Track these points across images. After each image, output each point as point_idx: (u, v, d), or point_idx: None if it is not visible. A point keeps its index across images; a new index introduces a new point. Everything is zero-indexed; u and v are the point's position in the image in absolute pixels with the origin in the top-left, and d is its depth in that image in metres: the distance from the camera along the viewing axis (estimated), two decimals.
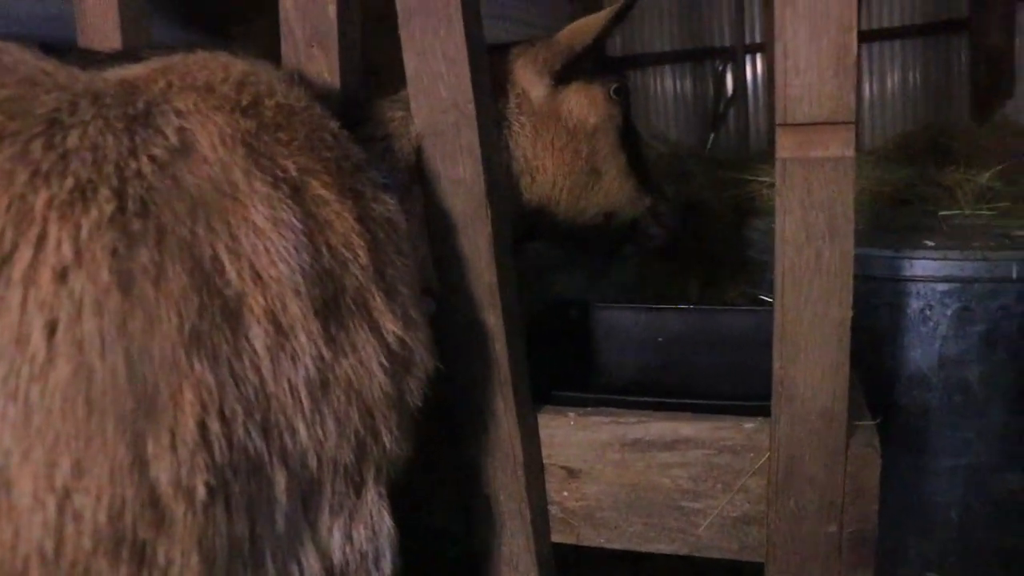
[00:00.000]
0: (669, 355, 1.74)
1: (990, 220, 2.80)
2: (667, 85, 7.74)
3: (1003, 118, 5.14)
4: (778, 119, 1.13)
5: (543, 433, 1.40)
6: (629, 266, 2.90)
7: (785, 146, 1.13)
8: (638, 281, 3.21)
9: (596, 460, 1.38)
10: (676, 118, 7.69)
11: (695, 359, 1.73)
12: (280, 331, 0.83)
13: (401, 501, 1.08)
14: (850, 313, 1.17)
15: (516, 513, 1.37)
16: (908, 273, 2.19)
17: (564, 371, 1.69)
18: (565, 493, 1.41)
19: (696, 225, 3.51)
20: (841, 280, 1.16)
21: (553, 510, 1.43)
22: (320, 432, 0.88)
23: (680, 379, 1.73)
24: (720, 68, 7.30)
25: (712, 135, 6.48)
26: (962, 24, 6.70)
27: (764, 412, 1.28)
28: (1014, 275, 2.12)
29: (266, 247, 0.84)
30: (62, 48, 0.96)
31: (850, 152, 1.11)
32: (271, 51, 1.36)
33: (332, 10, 1.31)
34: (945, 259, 2.15)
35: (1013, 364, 2.19)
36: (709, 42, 7.48)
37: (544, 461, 1.41)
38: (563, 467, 1.40)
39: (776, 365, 1.21)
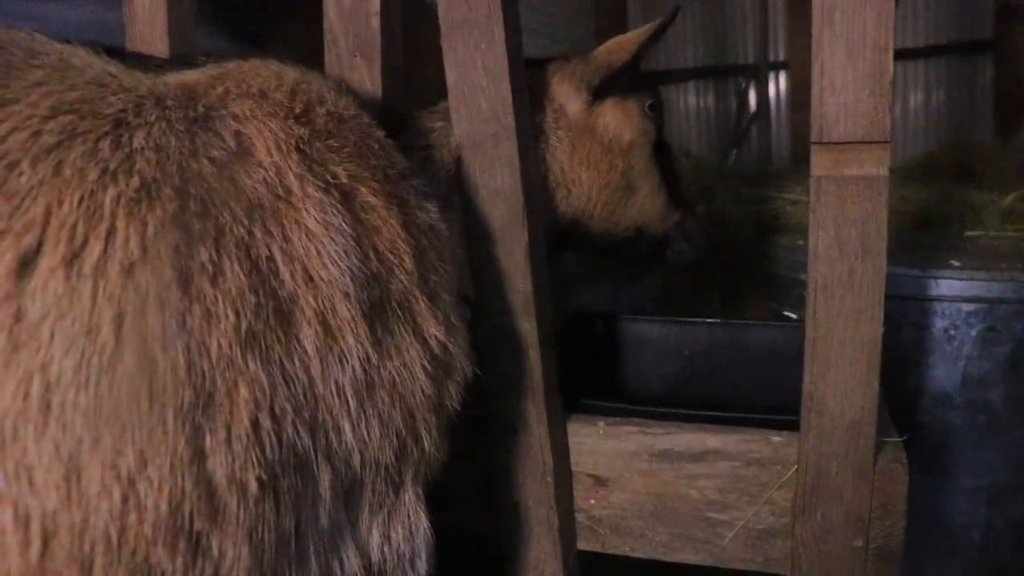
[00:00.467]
0: (695, 368, 1.75)
1: (1015, 241, 2.80)
2: (691, 101, 7.76)
3: None
4: (813, 137, 1.15)
5: (572, 441, 1.42)
6: (653, 279, 2.91)
7: (820, 164, 1.15)
8: (661, 294, 3.22)
9: (624, 469, 1.40)
10: (699, 134, 7.70)
11: (721, 372, 1.74)
12: (329, 333, 0.85)
13: (433, 502, 1.10)
14: (881, 330, 1.18)
15: (544, 519, 1.38)
16: (933, 293, 2.19)
17: (591, 381, 1.70)
18: (592, 501, 1.43)
19: (719, 240, 3.52)
20: (873, 297, 1.17)
21: (580, 517, 1.44)
22: (364, 432, 0.90)
23: (705, 392, 1.74)
24: (743, 85, 7.32)
25: (735, 151, 6.49)
26: (986, 45, 6.70)
27: (791, 426, 1.29)
28: None
29: (318, 250, 0.86)
30: (121, 52, 1.00)
31: (884, 171, 1.13)
32: (306, 57, 1.39)
33: (376, 22, 1.33)
34: (971, 279, 2.15)
35: None
36: (732, 59, 7.50)
37: (572, 468, 1.42)
38: (591, 475, 1.42)
39: (806, 379, 1.22)
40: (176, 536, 0.69)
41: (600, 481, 1.41)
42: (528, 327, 1.29)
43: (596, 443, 1.41)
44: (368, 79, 1.35)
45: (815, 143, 1.15)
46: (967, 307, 2.18)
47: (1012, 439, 2.22)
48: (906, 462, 1.28)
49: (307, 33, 1.41)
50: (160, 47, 1.45)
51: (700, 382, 1.75)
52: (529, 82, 1.45)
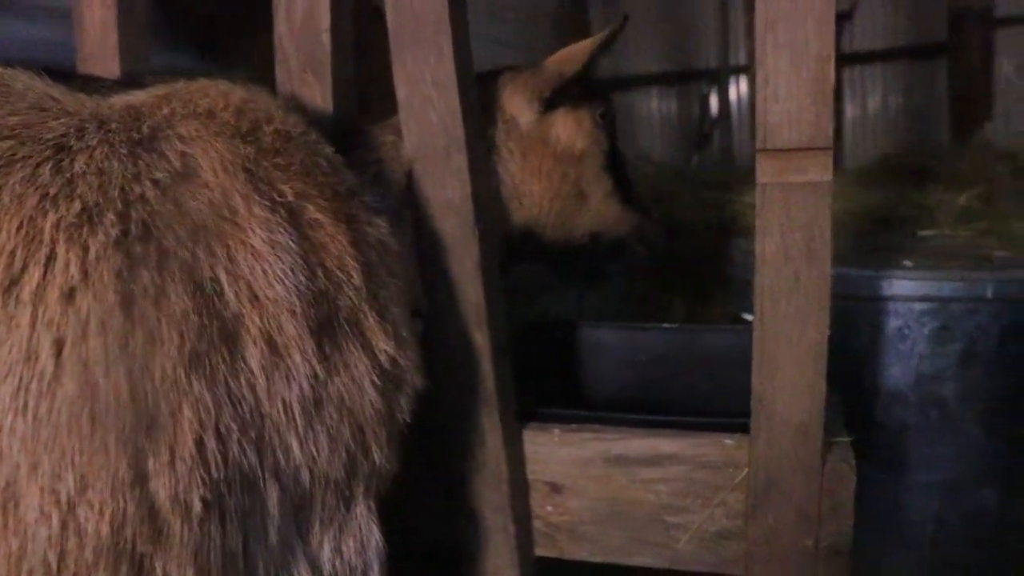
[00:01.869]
0: (653, 373, 1.77)
1: (969, 240, 2.85)
2: (653, 106, 7.81)
3: (982, 140, 5.20)
4: (758, 144, 1.17)
5: (528, 449, 1.43)
6: (615, 286, 2.93)
7: (765, 170, 1.17)
8: (625, 300, 3.24)
9: (579, 475, 1.41)
10: (662, 138, 7.74)
11: (678, 377, 1.76)
12: (275, 351, 0.86)
13: (388, 515, 1.11)
14: (827, 333, 1.21)
15: (501, 528, 1.40)
16: (887, 292, 2.23)
17: (550, 389, 1.72)
18: (549, 508, 1.44)
19: (681, 244, 3.55)
20: (819, 300, 1.19)
21: (537, 524, 1.46)
22: (313, 448, 0.91)
23: (663, 397, 1.76)
24: (705, 89, 7.38)
25: (697, 155, 6.55)
26: (942, 48, 6.79)
27: (743, 429, 1.31)
28: (990, 295, 2.17)
29: (263, 269, 0.87)
30: (68, 74, 1.00)
31: (828, 177, 1.15)
32: (267, 74, 1.40)
33: (326, 38, 1.34)
34: (923, 279, 2.19)
35: (988, 382, 2.23)
36: (695, 64, 7.55)
37: (529, 476, 1.44)
38: (547, 482, 1.43)
39: (755, 382, 1.24)
40: (118, 560, 0.70)
41: (556, 488, 1.43)
42: (481, 338, 1.31)
43: (552, 450, 1.42)
44: (319, 95, 1.36)
45: (760, 150, 1.17)
46: (920, 306, 2.21)
47: (964, 434, 2.26)
48: (854, 462, 1.30)
49: (268, 49, 1.42)
50: (112, 66, 1.45)
51: (658, 387, 1.77)
52: (480, 94, 1.46)
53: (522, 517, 1.42)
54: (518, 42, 5.74)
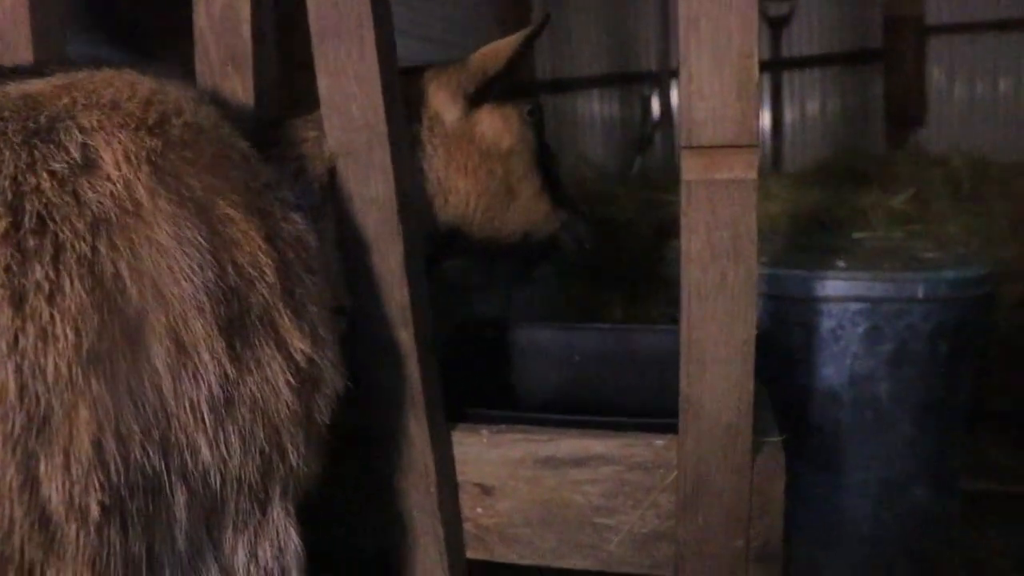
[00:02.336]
0: (586, 373, 1.76)
1: (901, 242, 2.89)
2: (595, 109, 7.85)
3: (916, 145, 5.33)
4: (683, 142, 1.16)
5: (457, 450, 1.41)
6: (553, 285, 2.93)
7: (690, 168, 1.16)
8: (563, 300, 3.25)
9: (509, 477, 1.39)
10: (604, 141, 7.79)
11: (611, 377, 1.76)
12: (182, 349, 0.83)
13: (314, 518, 1.08)
14: (754, 332, 1.20)
15: (430, 530, 1.37)
16: (820, 293, 2.25)
17: (482, 389, 1.70)
18: (479, 510, 1.42)
19: (620, 246, 3.56)
20: (745, 299, 1.19)
21: (467, 527, 1.44)
22: (223, 450, 0.88)
23: (597, 397, 1.75)
24: (647, 92, 7.42)
25: (639, 158, 6.59)
26: (877, 54, 6.93)
27: (674, 429, 1.30)
28: (920, 295, 2.20)
29: (169, 266, 0.84)
30: None
31: (753, 174, 1.15)
32: (190, 65, 1.37)
33: (247, 30, 1.31)
34: (855, 279, 2.21)
35: (920, 381, 2.26)
36: (636, 66, 7.60)
37: (458, 478, 1.42)
38: (477, 484, 1.41)
39: (683, 382, 1.23)
40: (5, 567, 0.66)
41: (486, 490, 1.41)
42: (406, 337, 1.28)
43: (481, 452, 1.40)
44: (240, 89, 1.33)
45: (685, 147, 1.16)
46: (852, 307, 2.23)
47: (897, 434, 2.29)
48: (783, 461, 1.30)
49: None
50: (24, 54, 1.40)
51: (591, 387, 1.76)
52: (404, 90, 1.44)
53: (451, 519, 1.40)
54: (465, 42, 5.73)
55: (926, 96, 6.74)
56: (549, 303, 2.90)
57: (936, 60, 6.77)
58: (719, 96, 1.14)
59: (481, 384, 1.72)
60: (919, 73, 6.70)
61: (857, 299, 2.22)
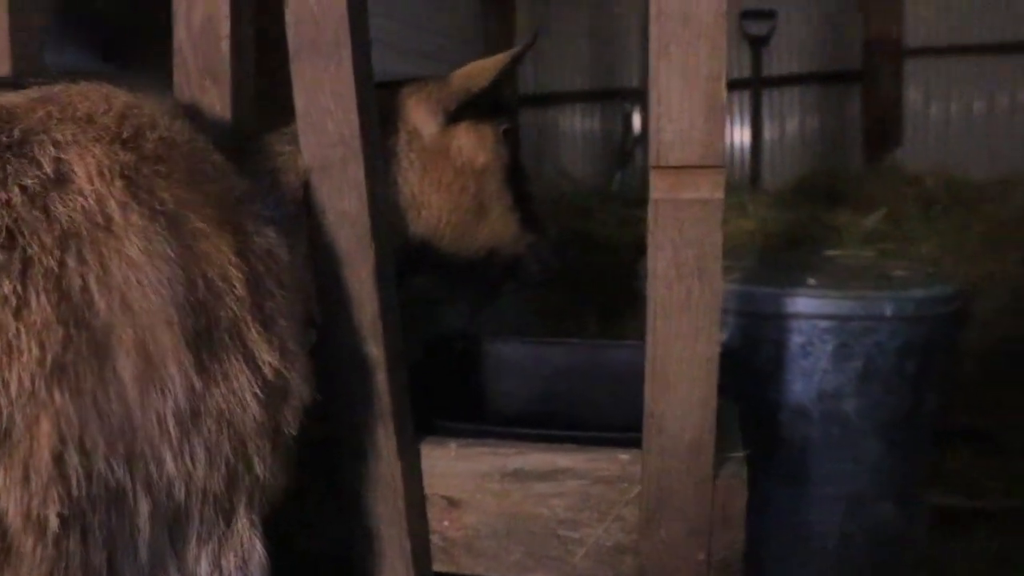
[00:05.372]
0: (556, 388, 1.78)
1: (872, 260, 2.93)
2: (577, 123, 7.88)
3: (892, 164, 5.38)
4: (652, 161, 1.19)
5: (425, 463, 1.42)
6: (526, 301, 2.95)
7: (658, 187, 1.19)
8: (540, 315, 3.26)
9: (476, 490, 1.41)
10: (585, 156, 7.81)
11: (581, 392, 1.77)
12: (149, 362, 0.84)
13: (281, 529, 1.09)
14: (718, 349, 1.22)
15: (396, 543, 1.38)
16: (791, 310, 2.27)
17: (453, 403, 1.71)
18: (446, 523, 1.43)
19: (597, 261, 3.59)
20: (710, 316, 1.21)
21: (434, 539, 1.45)
22: (189, 462, 0.89)
23: (567, 411, 1.77)
24: (628, 107, 7.46)
25: (619, 173, 6.63)
26: (856, 75, 7.02)
27: (639, 444, 1.32)
28: (888, 313, 2.23)
29: (139, 279, 0.85)
30: None
31: (719, 194, 1.17)
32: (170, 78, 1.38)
33: (226, 44, 1.32)
34: (824, 297, 2.24)
35: (887, 398, 2.29)
36: (618, 82, 7.63)
37: (426, 491, 1.43)
38: (444, 497, 1.42)
39: (647, 398, 1.25)
40: None
41: (453, 503, 1.42)
42: (376, 350, 1.29)
43: (449, 465, 1.42)
44: (218, 102, 1.34)
45: (653, 167, 1.19)
46: (822, 324, 2.26)
47: (864, 450, 2.32)
48: (747, 477, 1.32)
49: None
50: (2, 68, 1.41)
51: (561, 402, 1.78)
52: (383, 104, 1.46)
53: (418, 532, 1.41)
54: (450, 57, 5.76)
55: (903, 116, 6.83)
56: (524, 317, 2.92)
57: (913, 81, 6.87)
58: (687, 118, 1.16)
59: (452, 398, 1.73)
60: (896, 94, 6.79)
61: (826, 316, 2.25)
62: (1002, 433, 3.39)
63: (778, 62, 7.32)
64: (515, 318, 2.66)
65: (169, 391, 0.86)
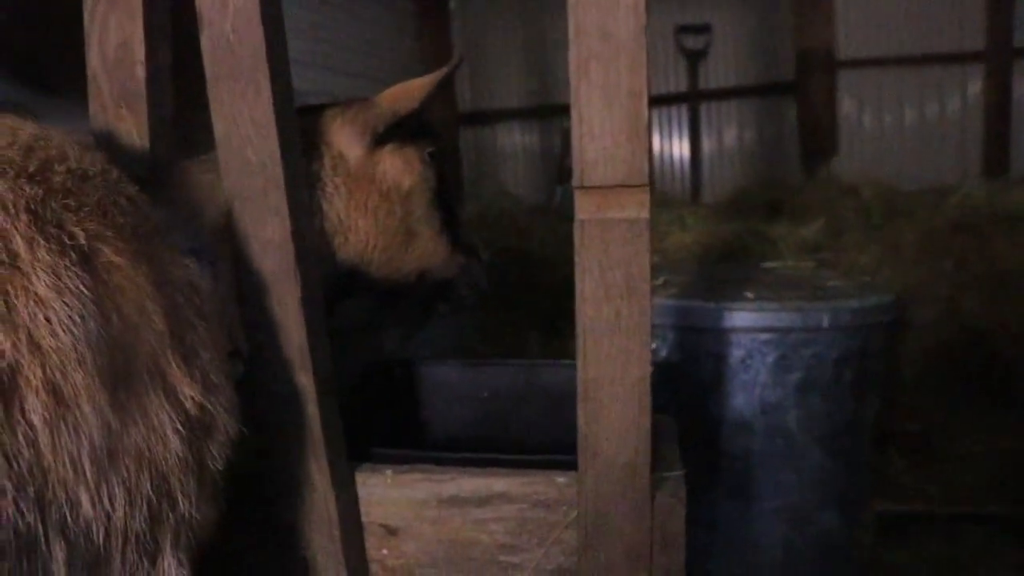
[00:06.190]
0: (494, 410, 1.77)
1: (809, 271, 2.97)
2: (515, 140, 7.91)
3: (829, 174, 5.47)
4: (575, 182, 1.18)
5: (361, 491, 1.40)
6: (467, 321, 2.94)
7: (583, 208, 1.18)
8: (478, 335, 3.25)
9: (414, 517, 1.39)
10: (525, 173, 7.85)
11: (520, 413, 1.76)
12: (61, 402, 0.81)
13: (214, 565, 1.06)
14: (649, 369, 1.22)
15: (333, 574, 1.36)
16: (729, 324, 2.29)
17: (392, 429, 1.69)
18: (384, 551, 1.41)
19: (538, 279, 3.59)
20: (640, 337, 1.20)
21: (373, 568, 1.42)
22: (107, 503, 0.86)
23: (506, 434, 1.76)
24: (567, 124, 7.49)
25: (559, 189, 6.65)
26: (790, 86, 7.14)
27: (576, 465, 1.31)
28: (826, 324, 2.26)
29: (47, 317, 0.82)
30: None
31: (645, 214, 1.17)
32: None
33: (141, 70, 1.30)
34: (762, 310, 2.26)
35: (827, 408, 2.32)
36: (556, 99, 7.68)
37: (363, 519, 1.40)
38: (382, 525, 1.40)
39: (580, 421, 1.25)
40: None
41: (391, 531, 1.40)
42: (306, 380, 1.27)
43: (385, 492, 1.39)
44: (135, 130, 1.31)
45: (577, 188, 1.18)
46: (761, 337, 2.28)
47: (807, 461, 2.34)
48: (684, 496, 1.31)
49: None
50: None
51: (499, 423, 1.77)
52: (306, 128, 1.44)
53: (357, 562, 1.39)
54: (386, 78, 5.75)
55: (837, 127, 6.97)
56: (465, 338, 2.91)
57: (847, 92, 7.01)
58: (610, 136, 1.16)
59: (390, 423, 1.71)
60: (830, 105, 6.93)
61: (765, 329, 2.27)
62: (941, 438, 3.45)
63: (715, 75, 7.43)
64: (455, 339, 2.65)
65: (83, 431, 0.83)
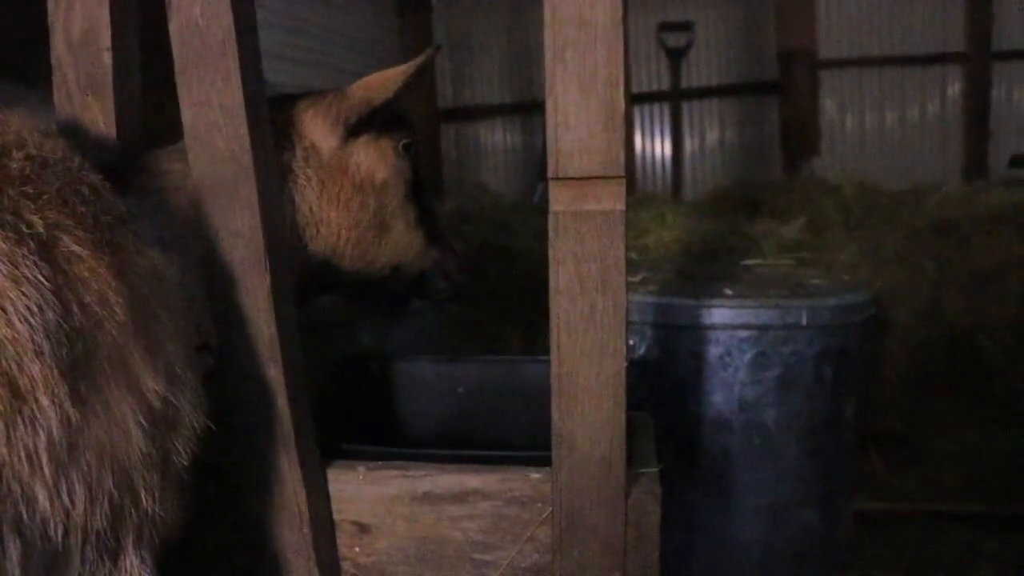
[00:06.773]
0: (470, 406, 1.75)
1: (789, 269, 2.96)
2: (497, 136, 7.89)
3: (810, 173, 5.49)
4: (550, 173, 1.16)
5: (333, 488, 1.37)
6: (447, 317, 2.91)
7: (558, 199, 1.16)
8: (460, 331, 3.23)
9: (386, 515, 1.36)
10: (507, 169, 7.84)
11: (496, 409, 1.74)
12: (17, 395, 0.79)
13: (182, 562, 1.04)
14: (624, 364, 1.20)
15: (304, 571, 1.34)
16: (708, 321, 2.28)
17: (367, 424, 1.67)
18: (357, 549, 1.39)
19: (518, 275, 3.57)
20: (615, 331, 1.19)
21: (345, 566, 1.40)
22: (66, 499, 0.84)
23: (482, 430, 1.74)
24: None
25: (540, 186, 6.64)
26: (773, 85, 7.16)
27: (551, 462, 1.30)
28: (804, 322, 2.25)
29: (2, 307, 0.80)
30: None
31: (620, 206, 1.15)
32: None
33: (107, 57, 1.27)
34: (741, 307, 2.25)
35: (806, 406, 2.31)
36: (537, 95, 7.67)
37: (335, 516, 1.38)
38: (354, 522, 1.38)
39: (555, 416, 1.23)
40: None
41: (363, 528, 1.38)
42: (275, 373, 1.25)
43: (357, 489, 1.37)
44: (101, 118, 1.29)
45: (552, 179, 1.16)
46: (739, 334, 2.27)
47: (785, 458, 2.33)
48: (660, 493, 1.30)
49: None
50: None
51: (476, 420, 1.75)
52: (278, 118, 1.41)
53: (327, 560, 1.36)
54: (365, 72, 5.71)
55: (819, 126, 6.99)
56: (444, 333, 2.88)
57: (828, 92, 7.04)
58: (585, 127, 1.14)
59: (366, 418, 1.69)
60: (812, 104, 6.95)
61: (744, 327, 2.26)
62: (920, 436, 3.46)
63: (697, 74, 7.43)
64: (435, 334, 2.62)
65: (41, 425, 0.81)
